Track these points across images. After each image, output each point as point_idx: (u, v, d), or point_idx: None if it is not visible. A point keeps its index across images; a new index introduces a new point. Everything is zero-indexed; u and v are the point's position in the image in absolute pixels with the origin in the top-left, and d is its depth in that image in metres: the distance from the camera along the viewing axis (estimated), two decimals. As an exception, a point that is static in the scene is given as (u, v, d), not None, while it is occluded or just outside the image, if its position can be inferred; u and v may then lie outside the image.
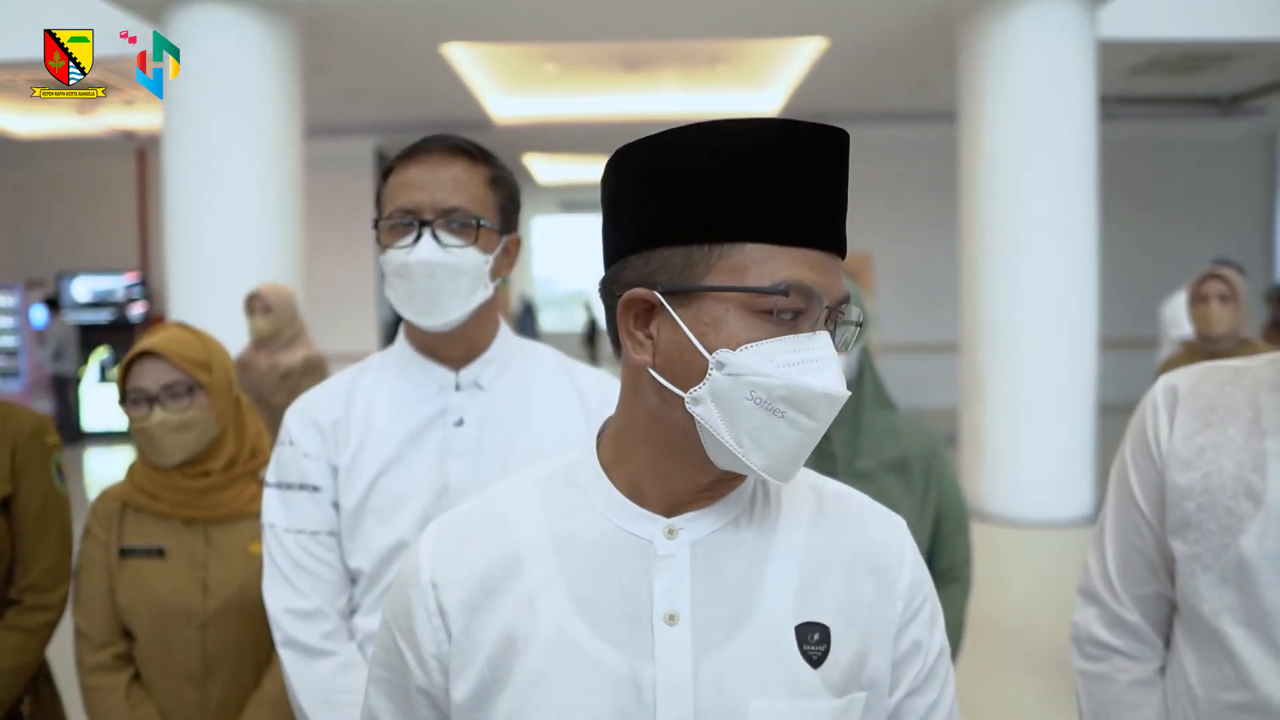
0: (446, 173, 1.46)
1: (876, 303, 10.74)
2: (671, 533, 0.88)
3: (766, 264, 0.81)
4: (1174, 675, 1.24)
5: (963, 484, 2.38)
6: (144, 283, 11.92)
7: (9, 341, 10.96)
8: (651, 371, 0.85)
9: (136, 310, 11.78)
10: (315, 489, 1.50)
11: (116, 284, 11.91)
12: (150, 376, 1.78)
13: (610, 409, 1.50)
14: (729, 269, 0.82)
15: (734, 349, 0.81)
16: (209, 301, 5.95)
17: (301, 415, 1.54)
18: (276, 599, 1.50)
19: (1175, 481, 1.19)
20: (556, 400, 1.55)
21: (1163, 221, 12.08)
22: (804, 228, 0.82)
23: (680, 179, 0.83)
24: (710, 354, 0.82)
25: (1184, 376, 1.24)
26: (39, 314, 11.09)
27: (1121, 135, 10.26)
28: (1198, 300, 3.43)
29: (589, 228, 22.71)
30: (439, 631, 0.89)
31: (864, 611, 0.90)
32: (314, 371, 4.07)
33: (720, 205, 0.82)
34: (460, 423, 1.50)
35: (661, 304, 0.84)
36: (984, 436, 6.87)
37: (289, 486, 1.51)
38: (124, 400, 1.81)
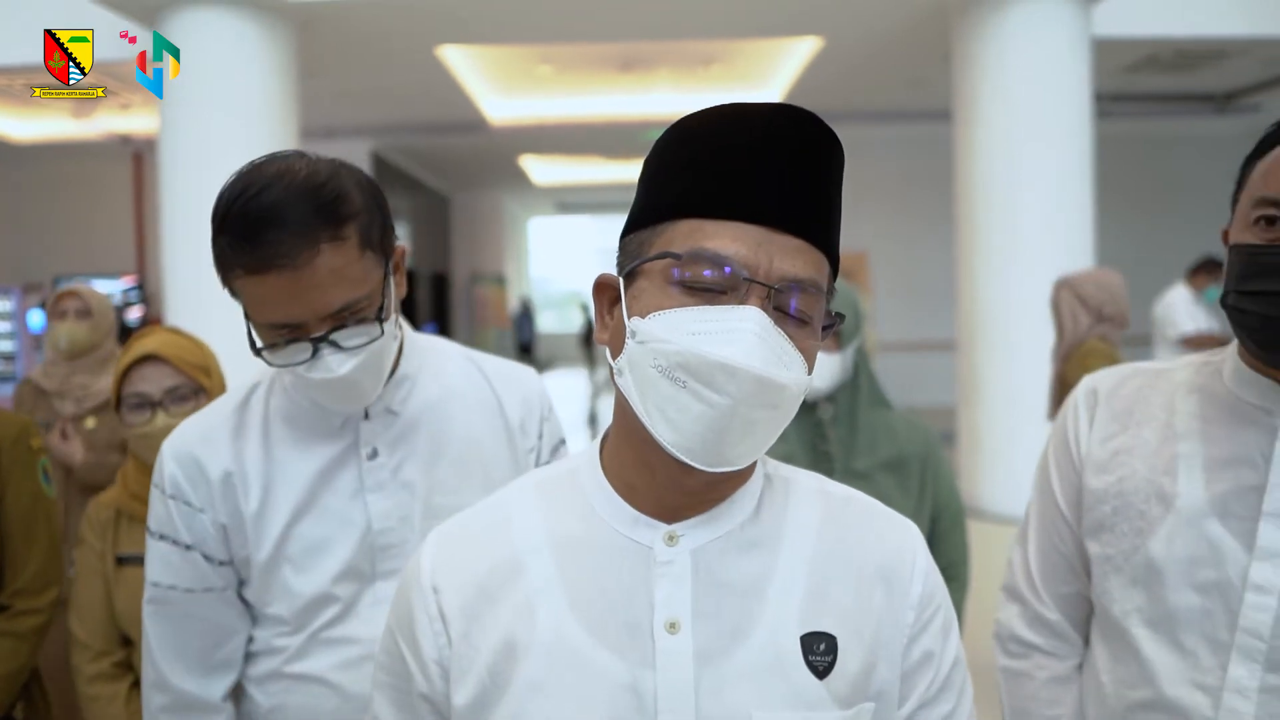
0: (316, 270, 1.16)
1: (873, 301, 10.74)
2: (672, 539, 0.86)
3: (691, 236, 0.81)
4: (1088, 672, 1.27)
5: (960, 482, 2.38)
6: (141, 286, 11.90)
7: (6, 345, 10.94)
8: (605, 350, 0.87)
9: (133, 314, 11.77)
10: (187, 547, 1.32)
11: (113, 288, 11.88)
12: (152, 381, 1.76)
13: (527, 401, 1.46)
14: (661, 245, 0.83)
15: (644, 316, 0.82)
16: (206, 305, 5.94)
17: (185, 460, 1.32)
18: (147, 684, 1.37)
19: (1090, 485, 1.21)
20: (476, 408, 1.42)
21: (1158, 219, 12.08)
22: (735, 202, 0.81)
23: (644, 173, 0.87)
24: (629, 322, 0.83)
25: (1106, 378, 1.26)
26: (36, 318, 11.08)
27: (1116, 133, 10.26)
28: None
29: (585, 228, 22.69)
30: (440, 636, 0.88)
31: (873, 620, 0.88)
32: None
33: (661, 188, 0.85)
34: (374, 454, 1.33)
35: (620, 287, 0.86)
36: (981, 434, 6.86)
37: (163, 538, 1.34)
38: (120, 405, 1.79)
